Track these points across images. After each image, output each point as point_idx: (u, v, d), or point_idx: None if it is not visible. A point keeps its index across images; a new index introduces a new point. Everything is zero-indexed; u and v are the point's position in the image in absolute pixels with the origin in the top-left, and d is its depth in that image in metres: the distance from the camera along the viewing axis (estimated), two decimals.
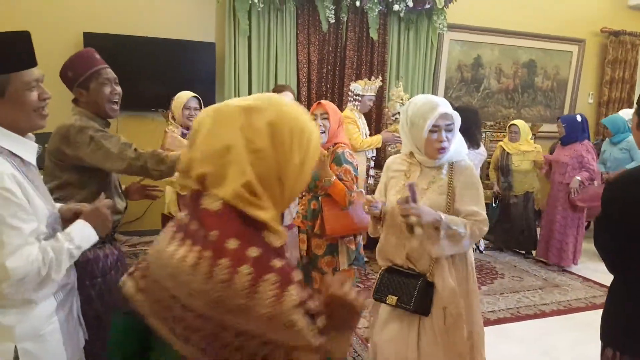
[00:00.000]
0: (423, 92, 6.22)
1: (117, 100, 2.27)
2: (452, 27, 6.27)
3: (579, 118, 5.00)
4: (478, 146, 4.34)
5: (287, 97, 3.74)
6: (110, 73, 2.25)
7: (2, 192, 1.37)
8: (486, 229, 2.15)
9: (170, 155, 2.19)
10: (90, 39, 4.87)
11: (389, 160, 2.36)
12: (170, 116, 3.57)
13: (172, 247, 0.96)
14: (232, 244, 0.92)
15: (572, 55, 7.22)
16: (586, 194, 4.82)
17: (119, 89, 2.30)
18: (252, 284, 0.89)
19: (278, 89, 3.83)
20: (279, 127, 1.00)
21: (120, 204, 2.32)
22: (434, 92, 6.41)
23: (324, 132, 2.83)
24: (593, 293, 4.45)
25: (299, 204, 2.92)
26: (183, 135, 3.42)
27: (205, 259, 0.90)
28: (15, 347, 1.47)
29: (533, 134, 6.25)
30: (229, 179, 0.96)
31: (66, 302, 1.65)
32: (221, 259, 0.90)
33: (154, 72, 5.18)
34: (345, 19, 5.68)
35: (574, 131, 4.95)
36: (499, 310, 4.02)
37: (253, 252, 0.92)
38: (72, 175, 2.12)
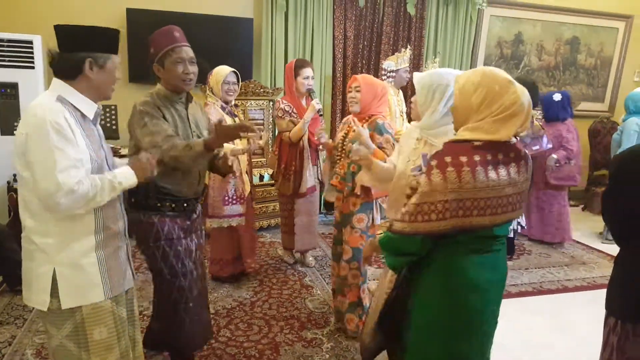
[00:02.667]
0: (460, 68, 6.21)
1: (191, 79, 2.36)
2: (492, 3, 6.22)
3: (556, 97, 4.88)
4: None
5: (308, 72, 3.91)
6: (186, 52, 2.36)
7: (54, 124, 1.66)
8: None
9: (197, 142, 2.21)
10: (133, 15, 5.10)
11: (408, 128, 2.57)
12: (208, 89, 3.66)
13: None
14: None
15: (618, 31, 7.02)
16: (561, 173, 4.84)
17: (193, 68, 2.39)
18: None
19: (299, 64, 3.95)
20: None
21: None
22: (472, 68, 6.37)
23: (357, 102, 3.07)
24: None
25: (338, 166, 3.15)
26: (222, 109, 3.57)
27: None
28: (55, 269, 1.77)
29: None
30: None
31: (109, 244, 1.88)
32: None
33: (194, 47, 5.22)
34: None
35: (551, 110, 4.88)
36: (522, 284, 4.09)
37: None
38: (135, 148, 2.30)
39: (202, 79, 3.69)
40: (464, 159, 1.64)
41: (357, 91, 3.08)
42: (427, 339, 1.86)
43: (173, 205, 2.38)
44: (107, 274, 1.86)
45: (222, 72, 3.57)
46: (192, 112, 2.49)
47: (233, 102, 3.69)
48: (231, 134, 2.24)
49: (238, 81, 3.65)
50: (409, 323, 1.93)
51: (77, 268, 1.79)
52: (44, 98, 1.75)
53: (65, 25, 1.91)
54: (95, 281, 1.84)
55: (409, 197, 1.77)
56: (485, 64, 6.54)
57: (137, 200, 2.33)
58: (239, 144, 3.48)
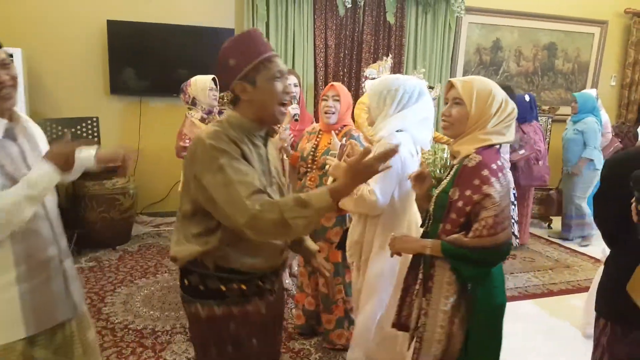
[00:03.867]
0: (441, 76, 6.28)
1: (288, 102, 1.68)
2: (470, 10, 6.30)
3: (527, 98, 4.97)
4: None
5: (291, 80, 3.76)
6: (282, 64, 1.66)
7: None
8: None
9: (313, 195, 1.47)
10: (113, 26, 5.08)
11: None
12: (189, 101, 3.66)
13: None
14: None
15: (594, 37, 7.15)
16: (531, 174, 4.92)
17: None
18: None
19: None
20: None
21: None
22: (452, 75, 6.45)
23: (334, 113, 2.94)
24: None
25: (307, 178, 3.00)
26: (203, 120, 3.59)
27: None
28: None
29: (550, 116, 6.26)
30: None
31: (36, 275, 1.64)
32: None
33: (175, 58, 5.36)
34: (362, 3, 5.76)
35: (520, 111, 4.94)
36: (508, 289, 4.10)
37: None
38: (192, 205, 1.62)
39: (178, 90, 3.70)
40: (498, 162, 1.77)
41: (336, 100, 2.94)
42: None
43: (243, 286, 1.66)
44: (30, 310, 1.60)
45: (206, 79, 3.60)
46: (271, 151, 1.79)
47: (216, 110, 3.69)
48: (371, 170, 1.46)
49: (216, 86, 3.67)
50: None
51: None
52: None
53: None
54: (12, 319, 1.58)
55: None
56: (464, 70, 6.62)
57: (190, 283, 1.67)
58: None
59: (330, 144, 2.83)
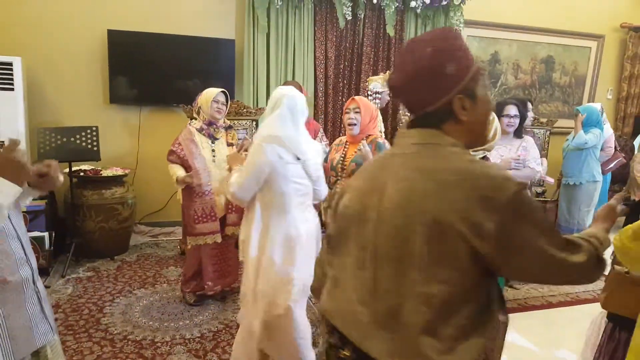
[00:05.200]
0: None
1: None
2: (469, 23, 6.34)
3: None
4: None
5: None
6: None
7: None
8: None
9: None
10: (114, 36, 5.08)
11: None
12: (195, 111, 3.73)
13: None
14: None
15: (591, 51, 7.21)
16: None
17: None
18: None
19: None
20: None
21: None
22: None
23: (356, 124, 3.14)
24: (601, 285, 4.49)
25: (337, 184, 3.21)
26: (201, 130, 3.62)
27: None
28: None
29: (548, 129, 6.28)
30: None
31: (9, 299, 1.56)
32: None
33: (175, 68, 5.36)
34: (362, 15, 5.78)
35: None
36: (507, 301, 4.10)
37: None
38: (466, 278, 1.14)
39: (189, 100, 3.72)
40: None
41: (357, 112, 3.14)
42: None
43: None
44: (7, 336, 1.52)
45: (213, 91, 3.63)
46: None
47: (222, 123, 3.70)
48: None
49: (227, 102, 3.69)
50: None
51: None
52: None
53: None
54: None
55: None
56: None
57: None
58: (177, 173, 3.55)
59: (358, 150, 3.10)
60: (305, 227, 2.60)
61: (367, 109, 3.16)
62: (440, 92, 1.19)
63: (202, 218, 3.59)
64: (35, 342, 1.61)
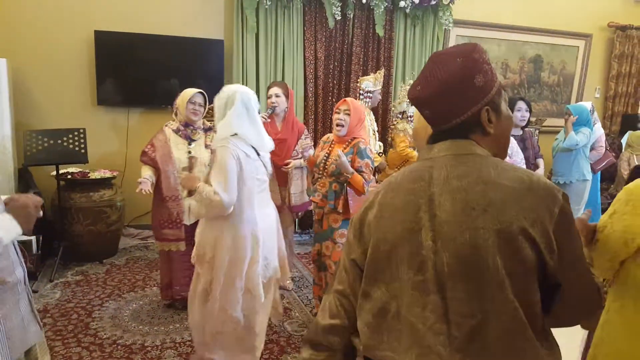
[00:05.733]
0: None
1: None
2: (458, 23, 6.35)
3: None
4: None
5: (270, 92, 3.99)
6: None
7: None
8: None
9: None
10: (101, 37, 5.03)
11: None
12: (174, 112, 3.65)
13: None
14: None
15: (579, 50, 7.25)
16: None
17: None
18: None
19: (272, 85, 4.06)
20: None
21: None
22: None
23: (344, 125, 3.19)
24: None
25: (318, 184, 3.29)
26: (177, 131, 3.57)
27: None
28: None
29: (537, 128, 6.32)
30: None
31: (7, 299, 1.61)
32: None
33: (163, 69, 5.32)
34: (351, 15, 5.77)
35: None
36: None
37: None
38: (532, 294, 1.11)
39: (173, 101, 3.66)
40: None
41: (347, 114, 3.19)
42: None
43: None
44: (5, 337, 1.56)
45: (189, 92, 3.56)
46: None
47: (200, 124, 3.63)
48: None
49: (205, 103, 3.63)
50: None
51: None
52: None
53: None
54: None
55: None
56: None
57: None
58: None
59: (335, 161, 3.17)
60: (266, 223, 2.67)
61: (356, 112, 3.22)
62: (469, 102, 1.19)
63: (167, 224, 3.54)
64: (28, 341, 1.67)
